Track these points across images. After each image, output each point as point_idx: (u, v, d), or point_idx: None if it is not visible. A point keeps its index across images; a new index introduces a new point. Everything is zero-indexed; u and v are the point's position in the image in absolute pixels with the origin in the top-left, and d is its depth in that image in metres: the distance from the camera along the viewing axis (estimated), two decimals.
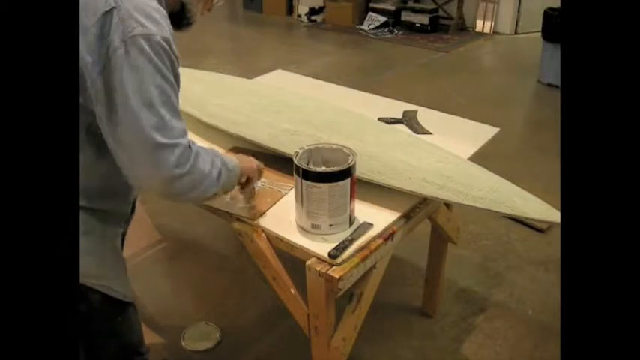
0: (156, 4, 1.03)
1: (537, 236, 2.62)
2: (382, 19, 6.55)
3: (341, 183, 1.22)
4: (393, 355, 1.96)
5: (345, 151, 1.28)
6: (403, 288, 2.26)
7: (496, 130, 1.81)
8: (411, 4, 6.37)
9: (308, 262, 1.23)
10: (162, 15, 1.02)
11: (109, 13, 0.97)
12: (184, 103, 1.30)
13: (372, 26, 6.54)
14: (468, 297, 2.24)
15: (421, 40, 6.04)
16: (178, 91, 1.05)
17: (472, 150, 1.66)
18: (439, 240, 1.97)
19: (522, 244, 2.58)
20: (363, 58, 5.58)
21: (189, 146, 1.04)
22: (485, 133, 1.79)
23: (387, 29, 6.44)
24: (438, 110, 1.96)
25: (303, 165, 1.23)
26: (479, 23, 6.39)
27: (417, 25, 6.07)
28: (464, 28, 6.42)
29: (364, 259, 1.25)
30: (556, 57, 4.43)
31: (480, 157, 1.64)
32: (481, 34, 6.30)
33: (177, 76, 1.04)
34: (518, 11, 6.23)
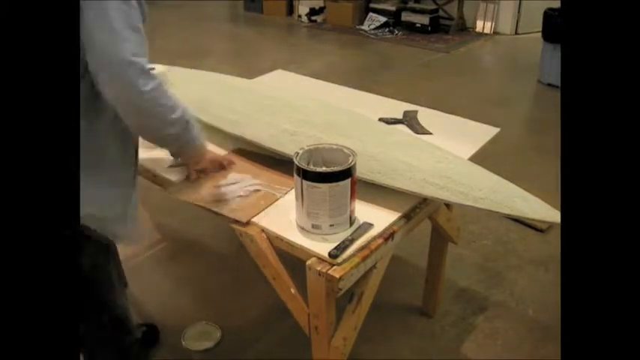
0: None
1: (537, 236, 2.62)
2: (382, 19, 6.55)
3: (341, 183, 1.22)
4: (393, 355, 1.96)
5: (346, 151, 1.28)
6: (403, 288, 2.26)
7: (496, 130, 1.81)
8: (411, 4, 6.37)
9: (308, 262, 1.23)
10: None
11: None
12: (184, 102, 1.31)
13: (372, 26, 6.54)
14: (468, 297, 2.24)
15: (421, 40, 6.04)
16: (141, 30, 1.09)
17: (472, 150, 1.66)
18: (439, 240, 1.97)
19: (522, 244, 2.57)
20: (363, 59, 5.58)
21: (156, 77, 1.10)
22: (486, 133, 1.79)
23: (387, 29, 6.44)
24: (439, 110, 1.96)
25: (303, 165, 1.23)
26: (479, 23, 6.39)
27: (418, 25, 6.07)
28: (464, 29, 6.42)
29: (364, 259, 1.25)
30: (556, 57, 4.43)
31: (480, 157, 1.64)
32: (481, 35, 6.30)
33: (138, 18, 1.08)
34: (519, 11, 6.23)
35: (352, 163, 1.24)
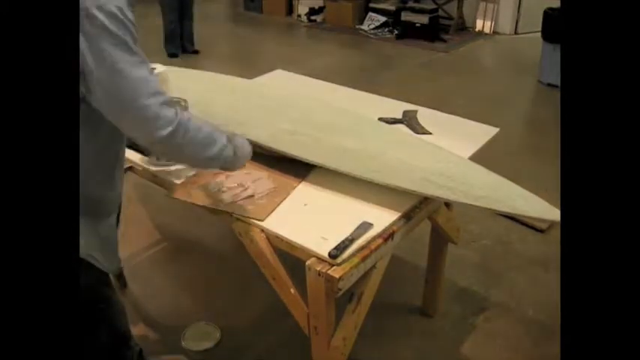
0: None
1: (537, 236, 2.62)
2: (382, 19, 6.55)
3: None
4: (393, 355, 1.96)
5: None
6: (403, 288, 2.26)
7: (496, 130, 1.81)
8: (410, 4, 6.37)
9: (308, 262, 1.23)
10: None
11: None
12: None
13: (371, 26, 6.54)
14: (468, 297, 2.24)
15: (421, 40, 6.03)
16: (141, 51, 1.06)
17: (472, 150, 1.66)
18: (439, 240, 1.97)
19: (522, 244, 2.57)
20: (363, 58, 5.58)
21: (175, 114, 1.06)
22: (486, 133, 1.79)
23: (386, 29, 6.44)
24: (438, 110, 1.96)
25: None
26: (479, 23, 6.39)
27: (417, 25, 6.06)
28: (464, 28, 6.42)
29: (364, 259, 1.25)
30: (556, 57, 4.43)
31: (480, 157, 1.64)
32: (481, 34, 6.30)
33: (135, 40, 1.04)
34: (518, 11, 6.23)
35: (186, 106, 1.50)
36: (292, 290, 1.35)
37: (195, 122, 1.12)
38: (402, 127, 1.81)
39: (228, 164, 1.25)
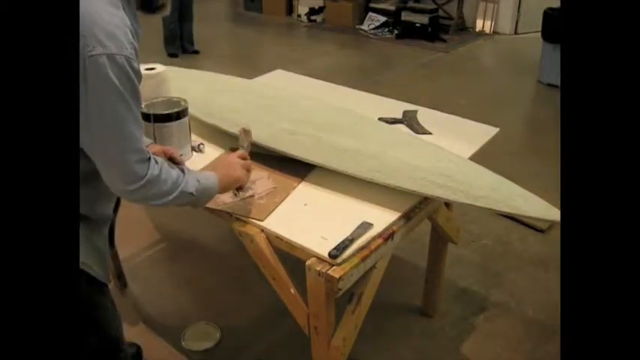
0: (117, 18, 1.01)
1: (537, 236, 2.62)
2: (382, 19, 6.55)
3: (183, 120, 1.55)
4: (393, 355, 1.96)
5: (177, 100, 1.59)
6: (403, 288, 2.26)
7: (496, 130, 1.81)
8: (410, 4, 6.37)
9: (308, 262, 1.23)
10: (123, 30, 1.01)
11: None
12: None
13: (371, 26, 6.55)
14: (468, 297, 2.24)
15: (421, 40, 6.03)
16: (139, 105, 1.08)
17: (472, 150, 1.66)
18: (439, 240, 1.97)
19: (522, 244, 2.58)
20: (363, 58, 5.59)
21: (146, 173, 1.09)
22: (486, 133, 1.79)
23: (386, 29, 6.44)
24: (438, 110, 1.96)
25: (152, 111, 1.50)
26: (479, 23, 6.40)
27: (417, 25, 6.07)
28: (464, 28, 6.42)
29: (364, 259, 1.25)
30: (556, 57, 4.43)
31: (480, 157, 1.64)
32: (481, 34, 6.30)
33: (136, 93, 1.06)
34: (518, 11, 6.24)
35: (186, 106, 1.57)
36: (292, 290, 1.35)
37: (163, 174, 1.14)
38: (402, 127, 1.81)
39: (191, 204, 1.26)
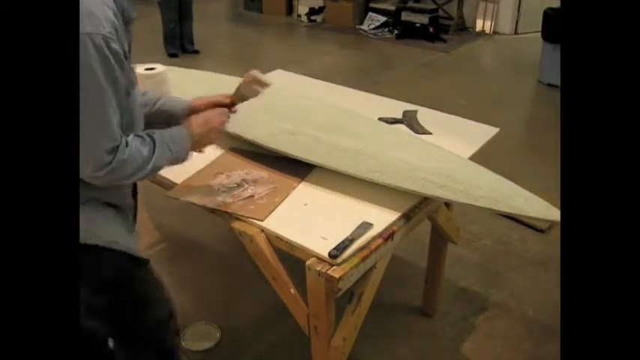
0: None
1: (537, 236, 2.62)
2: (382, 19, 6.55)
3: None
4: (393, 355, 1.96)
5: None
6: (403, 288, 2.26)
7: (496, 130, 1.81)
8: (410, 4, 6.37)
9: (308, 262, 1.23)
10: (101, 8, 1.00)
11: None
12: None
13: (371, 26, 6.54)
14: (468, 297, 2.24)
15: (421, 40, 6.03)
16: (117, 87, 1.06)
17: (472, 150, 1.66)
18: (439, 240, 1.97)
19: (522, 244, 2.57)
20: (363, 58, 5.58)
21: (113, 159, 1.09)
22: (485, 133, 1.79)
23: (386, 29, 6.44)
24: (438, 110, 1.96)
25: None
26: (479, 23, 6.39)
27: (417, 25, 6.07)
28: (464, 28, 6.42)
29: (364, 259, 1.25)
30: (556, 57, 4.43)
31: (480, 157, 1.64)
32: (481, 34, 6.30)
33: (113, 74, 1.04)
34: (518, 11, 6.24)
35: None
36: (292, 290, 1.35)
37: (132, 156, 1.13)
38: (402, 127, 1.81)
39: (172, 163, 1.26)
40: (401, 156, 1.48)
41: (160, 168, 1.22)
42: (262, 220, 1.34)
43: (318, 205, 1.40)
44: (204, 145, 1.35)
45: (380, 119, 1.81)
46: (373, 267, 1.32)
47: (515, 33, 6.30)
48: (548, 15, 4.50)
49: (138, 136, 1.18)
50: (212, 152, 1.65)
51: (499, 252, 2.52)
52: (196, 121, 1.32)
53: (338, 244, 1.23)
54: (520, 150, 3.50)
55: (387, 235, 1.31)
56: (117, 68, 1.04)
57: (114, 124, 1.08)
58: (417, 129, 1.79)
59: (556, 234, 2.61)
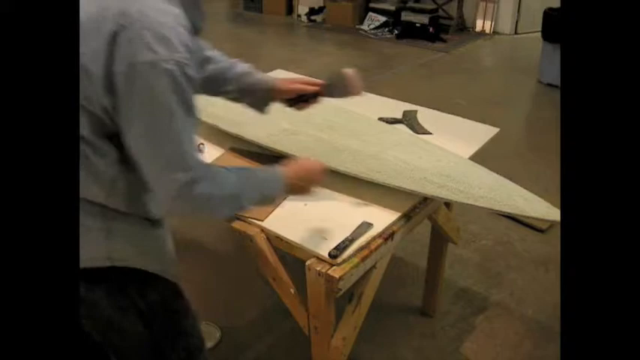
0: (171, 17, 0.93)
1: (537, 236, 2.62)
2: (382, 19, 6.55)
3: None
4: (393, 355, 1.96)
5: None
6: (403, 288, 2.26)
7: (496, 130, 1.81)
8: (410, 4, 6.37)
9: (308, 262, 1.23)
10: (176, 31, 0.92)
11: (116, 34, 0.89)
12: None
13: (372, 26, 6.54)
14: (468, 297, 2.24)
15: (421, 40, 6.03)
16: (193, 114, 0.99)
17: (472, 150, 1.66)
18: (439, 240, 1.97)
19: (522, 244, 2.58)
20: (363, 58, 5.58)
21: (193, 193, 1.00)
22: (485, 133, 1.79)
23: (387, 29, 6.44)
24: (438, 110, 1.96)
25: None
26: (479, 23, 6.39)
27: (417, 25, 6.07)
28: (464, 28, 6.42)
29: (364, 259, 1.25)
30: (556, 57, 4.43)
31: (480, 157, 1.64)
32: (481, 34, 6.30)
33: (189, 102, 0.97)
34: (518, 11, 6.23)
35: None
36: (292, 290, 1.35)
37: (214, 194, 1.03)
38: (402, 127, 1.81)
39: (256, 205, 1.17)
40: (401, 156, 1.48)
41: (243, 209, 1.15)
42: (262, 220, 1.34)
43: (318, 205, 1.40)
44: (295, 195, 1.25)
45: (380, 119, 1.81)
46: (373, 267, 1.32)
47: (515, 33, 6.30)
48: (548, 15, 4.50)
49: (226, 169, 1.10)
50: (212, 152, 1.65)
51: (499, 252, 2.52)
52: (297, 170, 1.20)
53: (338, 244, 1.23)
54: (520, 150, 3.50)
55: (387, 235, 1.31)
56: (192, 95, 0.97)
57: (191, 153, 0.99)
58: (417, 129, 1.79)
59: (556, 234, 2.61)
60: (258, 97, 1.40)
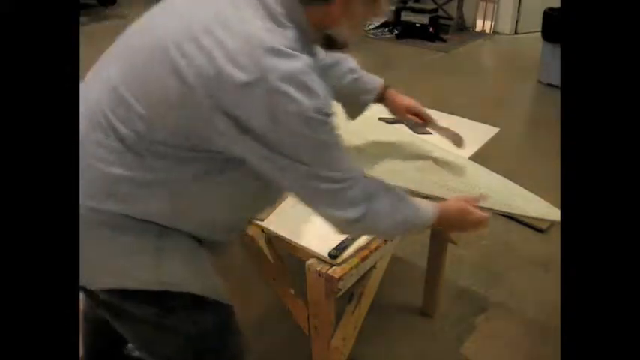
0: (301, 62, 0.87)
1: (537, 236, 2.62)
2: (382, 19, 6.54)
3: None
4: (393, 355, 1.96)
5: None
6: (403, 288, 2.26)
7: (496, 130, 1.81)
8: (410, 4, 6.37)
9: (308, 262, 1.23)
10: (312, 76, 0.88)
11: (249, 84, 0.83)
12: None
13: (372, 26, 6.54)
14: (468, 297, 2.24)
15: (421, 40, 6.03)
16: (339, 144, 0.98)
17: (472, 150, 1.66)
18: (439, 240, 1.97)
19: (522, 244, 2.57)
20: (363, 59, 5.54)
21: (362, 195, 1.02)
22: (485, 133, 1.79)
23: (387, 29, 6.44)
24: (438, 110, 1.96)
25: None
26: (479, 23, 6.39)
27: (417, 25, 6.07)
28: (464, 28, 6.42)
29: (364, 259, 1.25)
30: (556, 57, 4.43)
31: (480, 157, 1.64)
32: (481, 34, 6.30)
33: (333, 134, 0.95)
34: (518, 11, 6.23)
35: None
36: (292, 290, 1.35)
37: (383, 215, 1.06)
38: (402, 127, 1.80)
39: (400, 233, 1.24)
40: (400, 156, 1.48)
41: (392, 234, 1.21)
42: (262, 220, 1.34)
43: None
44: (446, 229, 1.28)
45: (380, 119, 1.81)
46: (373, 267, 1.32)
47: (515, 33, 6.30)
48: (548, 15, 4.50)
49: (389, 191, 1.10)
50: None
51: (499, 252, 2.52)
52: (454, 209, 1.19)
53: (338, 244, 1.23)
54: (520, 150, 3.50)
55: None
56: (333, 129, 0.94)
57: (352, 184, 1.00)
58: (417, 129, 1.79)
59: (556, 234, 2.61)
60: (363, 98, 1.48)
